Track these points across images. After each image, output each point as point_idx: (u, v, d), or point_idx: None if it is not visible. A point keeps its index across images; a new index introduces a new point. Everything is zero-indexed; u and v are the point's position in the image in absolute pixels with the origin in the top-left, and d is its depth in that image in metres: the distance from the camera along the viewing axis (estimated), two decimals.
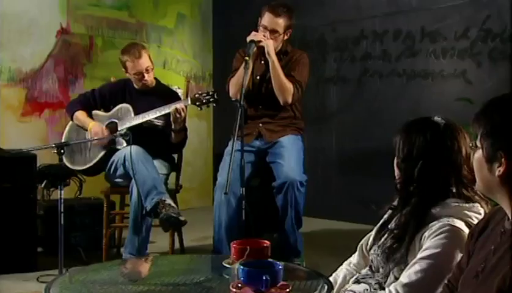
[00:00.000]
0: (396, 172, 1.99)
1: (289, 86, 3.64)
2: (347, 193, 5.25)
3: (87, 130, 3.88)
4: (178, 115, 3.67)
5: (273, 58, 3.60)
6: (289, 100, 3.65)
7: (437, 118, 1.95)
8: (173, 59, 6.02)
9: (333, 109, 5.40)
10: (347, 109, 5.31)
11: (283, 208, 3.53)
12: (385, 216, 2.05)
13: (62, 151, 3.15)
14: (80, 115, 3.92)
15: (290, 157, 3.57)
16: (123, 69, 3.91)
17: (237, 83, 3.57)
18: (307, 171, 3.61)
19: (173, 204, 3.58)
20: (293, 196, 3.48)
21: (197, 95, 3.71)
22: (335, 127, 5.38)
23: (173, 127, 3.76)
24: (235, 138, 3.10)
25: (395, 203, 2.01)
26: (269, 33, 3.62)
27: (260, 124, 3.75)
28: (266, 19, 3.64)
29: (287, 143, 3.65)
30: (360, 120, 5.20)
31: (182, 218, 3.50)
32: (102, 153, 3.81)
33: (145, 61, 3.84)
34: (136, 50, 3.83)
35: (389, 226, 1.99)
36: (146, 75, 3.85)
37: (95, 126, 3.84)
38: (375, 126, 5.04)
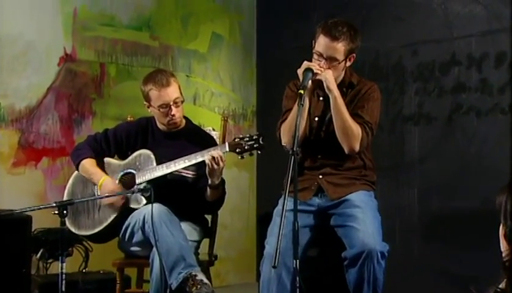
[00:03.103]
0: (504, 244, 1.96)
1: (356, 129, 3.64)
2: (435, 268, 5.15)
3: (96, 185, 3.94)
4: (215, 166, 3.71)
5: (335, 93, 3.62)
6: (356, 147, 3.65)
7: None
8: (206, 92, 6.08)
9: (415, 156, 5.36)
10: (433, 156, 5.25)
11: (356, 286, 3.50)
12: None
13: (65, 211, 3.20)
14: (88, 164, 3.99)
15: (366, 219, 3.55)
16: (145, 103, 3.98)
17: (291, 129, 3.57)
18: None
19: (205, 280, 3.58)
20: (371, 270, 3.44)
21: (237, 139, 3.75)
22: (418, 180, 5.32)
23: (209, 181, 3.80)
24: (287, 195, 3.10)
25: (502, 285, 1.97)
26: (325, 62, 3.65)
27: (320, 176, 3.75)
28: (321, 43, 3.66)
29: (360, 201, 3.64)
30: (450, 171, 5.13)
31: None
32: (115, 214, 3.86)
33: (174, 91, 3.92)
34: (164, 77, 3.92)
35: None
36: (174, 109, 3.91)
37: (105, 183, 3.89)
38: (471, 179, 4.96)
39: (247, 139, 3.72)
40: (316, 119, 3.76)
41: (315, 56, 3.67)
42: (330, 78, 3.62)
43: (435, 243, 5.21)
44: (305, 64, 3.62)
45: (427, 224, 5.29)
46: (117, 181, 3.94)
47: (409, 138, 5.38)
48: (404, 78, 5.42)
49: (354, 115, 3.67)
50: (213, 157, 3.69)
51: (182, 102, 3.97)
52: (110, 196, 3.81)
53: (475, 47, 5.04)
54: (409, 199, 5.35)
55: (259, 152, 3.75)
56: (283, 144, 3.72)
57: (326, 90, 3.64)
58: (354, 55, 3.72)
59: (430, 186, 5.25)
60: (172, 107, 3.91)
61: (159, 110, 3.93)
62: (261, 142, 3.70)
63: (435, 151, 5.25)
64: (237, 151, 3.71)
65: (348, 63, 3.73)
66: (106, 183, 3.89)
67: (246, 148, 3.71)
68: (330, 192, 3.71)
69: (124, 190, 3.84)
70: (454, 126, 5.15)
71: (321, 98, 3.77)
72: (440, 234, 5.19)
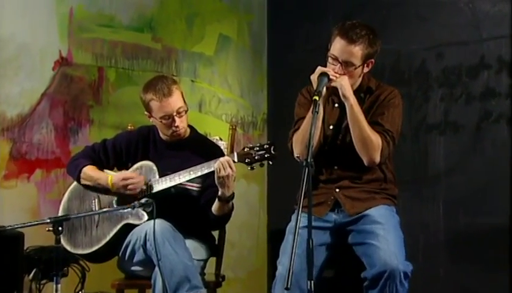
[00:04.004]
0: None
1: (376, 139, 3.65)
2: (462, 289, 5.14)
3: (101, 192, 3.95)
4: (223, 172, 3.71)
5: (351, 101, 3.63)
6: (377, 158, 3.66)
7: None
8: (213, 98, 6.07)
9: (440, 169, 5.34)
10: (460, 169, 5.24)
11: None
12: None
13: (60, 228, 3.21)
14: (90, 170, 4.02)
15: (388, 236, 3.56)
16: (146, 113, 4.00)
17: (304, 139, 3.58)
18: None
19: None
20: (394, 292, 3.45)
21: (246, 149, 3.76)
22: (443, 194, 5.31)
23: (219, 193, 3.81)
24: (300, 210, 3.11)
25: None
26: (340, 66, 3.66)
27: (337, 190, 3.76)
28: (337, 46, 3.67)
29: (381, 216, 3.65)
30: (479, 185, 5.11)
31: None
32: (115, 230, 3.87)
33: (176, 101, 3.93)
34: (165, 86, 3.93)
35: None
36: (177, 120, 3.92)
37: (116, 176, 3.92)
38: (501, 193, 4.94)
39: (257, 148, 3.73)
40: (331, 127, 3.77)
41: (330, 60, 3.68)
42: (345, 85, 3.63)
43: (462, 263, 5.19)
44: (319, 69, 3.63)
45: (453, 242, 5.27)
46: (115, 199, 3.97)
47: (434, 149, 5.37)
48: (428, 83, 5.41)
49: (373, 123, 3.68)
50: (221, 163, 3.71)
51: (186, 111, 3.98)
52: (108, 211, 3.82)
53: (505, 50, 5.03)
54: (433, 215, 5.33)
55: (270, 162, 3.76)
56: (295, 155, 3.72)
57: (342, 98, 3.65)
58: (373, 61, 3.73)
59: (457, 201, 5.24)
60: (175, 117, 3.93)
61: (161, 121, 3.95)
62: (272, 152, 3.71)
63: (462, 162, 5.24)
64: (246, 161, 3.72)
65: (366, 69, 3.74)
66: (117, 176, 3.93)
67: (256, 158, 3.71)
68: (347, 207, 3.71)
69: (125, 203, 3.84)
70: (483, 136, 5.13)
71: (336, 105, 3.78)
72: (468, 252, 5.17)
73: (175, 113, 3.91)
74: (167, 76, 4.32)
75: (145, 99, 3.97)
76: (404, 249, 3.58)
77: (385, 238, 3.54)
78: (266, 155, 3.71)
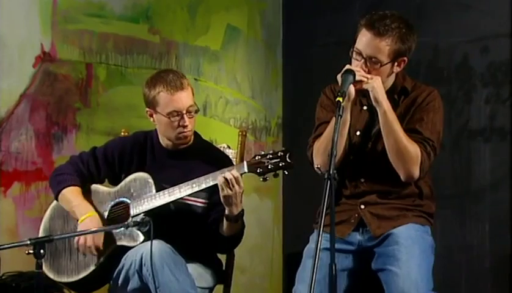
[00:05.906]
0: None
1: (414, 150, 3.64)
2: None
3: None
4: (229, 191, 3.72)
5: (385, 107, 3.62)
6: (416, 173, 3.65)
7: None
8: (220, 99, 6.08)
9: (485, 182, 5.34)
10: (508, 182, 5.24)
11: None
12: None
13: (42, 250, 3.21)
14: (70, 193, 4.01)
15: (410, 261, 3.55)
16: (148, 110, 4.00)
17: (327, 148, 3.56)
18: (441, 285, 3.58)
19: None
20: None
21: (257, 157, 3.76)
22: (489, 211, 5.30)
23: (226, 211, 3.82)
24: (321, 230, 3.11)
25: None
26: (363, 63, 3.65)
27: (362, 207, 3.76)
28: (362, 39, 3.67)
29: (406, 237, 3.64)
30: None
31: None
32: (106, 254, 3.87)
33: (188, 97, 3.94)
34: (177, 78, 3.93)
35: None
36: (187, 119, 3.93)
37: (85, 222, 3.89)
38: None
39: (271, 156, 3.72)
40: (358, 133, 3.77)
41: (354, 55, 3.67)
42: (378, 87, 3.62)
43: None
44: (347, 68, 3.62)
45: (501, 268, 5.27)
46: (106, 214, 3.97)
47: (478, 159, 5.37)
48: (471, 82, 5.41)
49: (410, 131, 3.67)
50: (226, 179, 3.71)
51: (196, 112, 3.98)
52: (98, 231, 3.82)
53: None
54: (478, 237, 5.33)
55: (286, 172, 3.74)
56: (315, 166, 3.71)
57: (373, 103, 3.64)
58: (405, 59, 3.71)
59: (504, 219, 5.24)
60: (185, 116, 3.92)
61: (169, 118, 3.92)
62: (287, 160, 3.70)
63: (510, 174, 5.24)
64: (258, 171, 3.71)
65: (396, 69, 3.72)
66: (86, 222, 3.89)
67: (269, 167, 3.70)
68: (373, 227, 3.71)
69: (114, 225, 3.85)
70: None
71: (364, 107, 3.78)
72: None
73: (184, 111, 3.91)
74: (176, 70, 4.32)
75: (150, 93, 3.95)
76: (432, 276, 3.58)
77: (406, 263, 3.53)
78: (280, 164, 3.70)
